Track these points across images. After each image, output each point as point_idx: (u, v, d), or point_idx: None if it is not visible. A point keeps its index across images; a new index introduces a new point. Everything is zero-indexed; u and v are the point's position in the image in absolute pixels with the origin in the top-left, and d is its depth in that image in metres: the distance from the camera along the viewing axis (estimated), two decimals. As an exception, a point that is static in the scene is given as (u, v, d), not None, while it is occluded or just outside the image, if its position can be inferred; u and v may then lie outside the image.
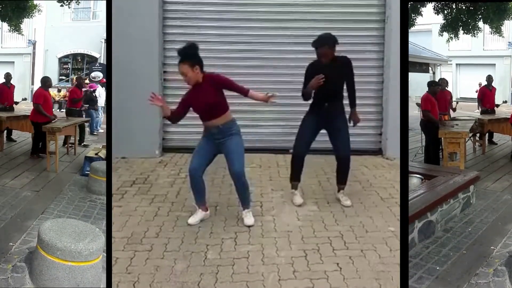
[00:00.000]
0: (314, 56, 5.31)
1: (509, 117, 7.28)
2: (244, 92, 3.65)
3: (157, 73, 5.86)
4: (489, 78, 8.55)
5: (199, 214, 3.85)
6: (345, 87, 4.18)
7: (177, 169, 5.34)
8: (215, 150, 3.75)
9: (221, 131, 3.66)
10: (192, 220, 3.81)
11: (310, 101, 4.17)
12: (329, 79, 3.88)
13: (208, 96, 3.54)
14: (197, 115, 3.73)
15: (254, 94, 3.68)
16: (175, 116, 3.70)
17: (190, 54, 3.49)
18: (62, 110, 12.39)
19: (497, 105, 8.49)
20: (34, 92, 7.50)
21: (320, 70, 3.92)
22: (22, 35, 10.85)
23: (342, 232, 3.63)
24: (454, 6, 8.71)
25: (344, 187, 4.35)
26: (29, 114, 7.05)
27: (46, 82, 7.19)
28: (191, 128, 6.01)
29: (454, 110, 8.24)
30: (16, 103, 8.45)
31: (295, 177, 4.30)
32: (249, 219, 3.80)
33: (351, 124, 4.22)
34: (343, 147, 4.14)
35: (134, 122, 5.72)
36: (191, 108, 3.68)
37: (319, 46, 3.96)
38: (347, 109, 4.23)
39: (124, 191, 4.54)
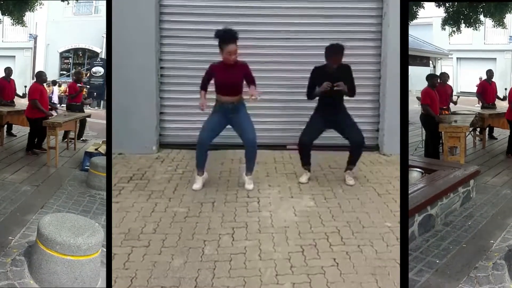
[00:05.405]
0: (310, 52, 5.33)
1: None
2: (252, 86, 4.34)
3: (153, 69, 5.83)
4: (490, 73, 8.51)
5: (200, 180, 4.48)
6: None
7: (174, 165, 5.33)
8: (226, 123, 4.38)
9: (235, 108, 4.31)
10: (196, 186, 4.45)
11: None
12: (335, 82, 4.35)
13: (237, 76, 4.27)
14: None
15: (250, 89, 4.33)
16: (206, 85, 4.43)
17: (236, 38, 4.15)
18: (62, 105, 12.34)
19: (503, 98, 8.31)
20: (29, 87, 7.28)
21: (327, 74, 4.39)
22: (26, 26, 10.73)
23: (339, 228, 3.63)
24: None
25: (353, 168, 4.71)
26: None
27: (40, 76, 7.00)
28: (188, 124, 6.02)
29: (455, 103, 8.23)
30: (24, 95, 8.25)
31: (304, 162, 4.73)
32: (250, 184, 4.47)
33: None
34: (358, 136, 4.55)
35: (131, 118, 5.70)
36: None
37: (332, 54, 4.37)
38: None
39: (121, 187, 4.53)
